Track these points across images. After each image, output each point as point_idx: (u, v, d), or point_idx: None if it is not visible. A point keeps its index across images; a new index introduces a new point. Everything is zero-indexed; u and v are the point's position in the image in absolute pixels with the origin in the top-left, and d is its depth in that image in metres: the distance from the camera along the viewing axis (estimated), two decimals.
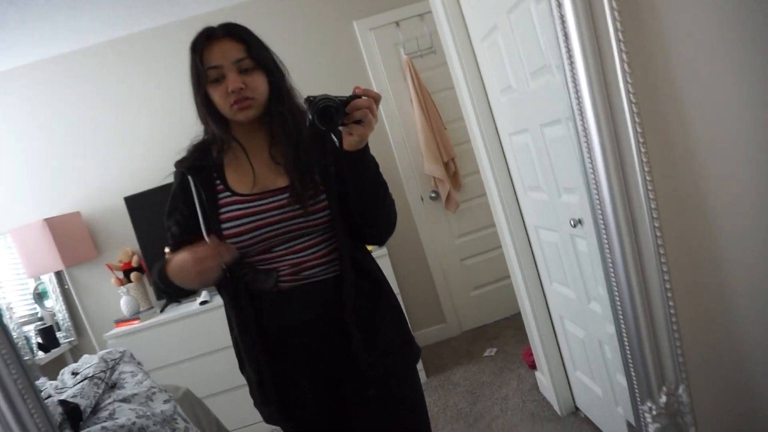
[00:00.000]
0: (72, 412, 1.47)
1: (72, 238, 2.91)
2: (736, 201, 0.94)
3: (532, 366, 2.54)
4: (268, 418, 1.23)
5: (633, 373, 0.86)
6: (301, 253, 1.14)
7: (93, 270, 3.09)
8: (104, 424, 1.43)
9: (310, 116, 0.99)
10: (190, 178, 1.15)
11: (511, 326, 3.23)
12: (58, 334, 2.97)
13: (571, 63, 0.80)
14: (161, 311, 2.95)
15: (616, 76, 0.80)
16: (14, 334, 2.80)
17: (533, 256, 2.15)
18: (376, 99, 1.03)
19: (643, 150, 0.82)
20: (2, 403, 0.71)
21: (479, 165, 2.28)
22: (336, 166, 1.13)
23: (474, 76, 2.07)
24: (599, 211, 0.89)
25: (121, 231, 3.08)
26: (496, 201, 2.18)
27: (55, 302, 3.06)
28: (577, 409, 2.20)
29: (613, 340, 1.58)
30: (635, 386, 0.87)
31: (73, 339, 3.06)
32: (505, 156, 2.11)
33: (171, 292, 1.12)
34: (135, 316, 2.86)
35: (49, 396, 1.59)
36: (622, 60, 0.78)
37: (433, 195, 3.36)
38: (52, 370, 2.13)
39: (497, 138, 2.10)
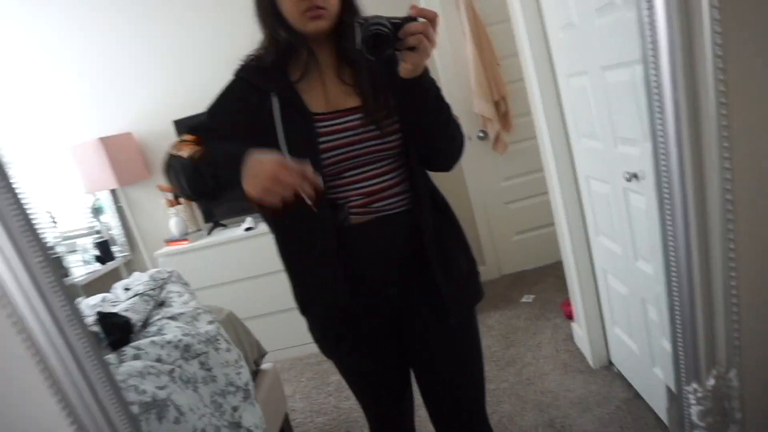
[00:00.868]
0: (124, 325, 1.57)
1: (125, 158, 3.01)
2: None
3: (569, 317, 2.51)
4: (330, 352, 1.25)
5: (681, 351, 0.81)
6: (372, 180, 1.09)
7: (145, 190, 3.21)
8: (153, 338, 1.52)
9: (358, 42, 0.91)
10: (273, 95, 1.05)
11: (552, 274, 3.18)
12: (114, 249, 3.15)
13: None
14: (208, 234, 3.07)
15: (701, 17, 0.69)
16: (65, 247, 3.02)
17: (581, 206, 2.07)
18: (432, 21, 0.92)
19: (723, 106, 0.71)
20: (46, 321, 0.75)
21: (531, 107, 2.16)
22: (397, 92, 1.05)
23: (532, 8, 1.91)
24: (664, 167, 0.79)
25: None
26: (547, 146, 2.08)
27: (111, 218, 3.22)
28: (610, 363, 2.18)
29: (658, 301, 1.53)
30: (681, 367, 0.82)
31: (127, 254, 3.24)
32: (560, 99, 1.98)
33: (208, 186, 0.99)
34: (184, 237, 2.99)
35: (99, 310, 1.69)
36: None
37: (481, 135, 3.24)
38: (108, 282, 2.28)
39: (553, 79, 1.97)
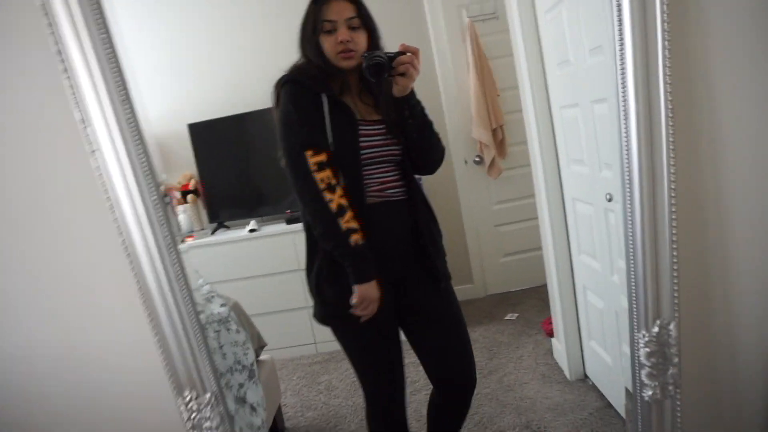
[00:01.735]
0: None
1: None
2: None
3: (550, 334, 2.67)
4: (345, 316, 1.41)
5: (634, 306, 1.08)
6: (385, 174, 1.41)
7: None
8: None
9: (363, 68, 1.29)
10: (324, 96, 1.32)
11: (535, 296, 3.35)
12: None
13: (622, 45, 0.94)
14: (212, 233, 3.20)
15: (657, 67, 0.96)
16: None
17: (566, 226, 2.26)
18: (416, 53, 1.30)
19: (671, 131, 0.98)
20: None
21: (527, 133, 2.36)
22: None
23: (534, 46, 2.13)
24: (625, 163, 1.13)
25: (182, 154, 3.29)
26: (539, 170, 2.28)
27: None
28: (586, 377, 2.34)
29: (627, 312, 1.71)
30: (634, 318, 1.07)
31: None
32: (553, 128, 2.19)
33: (333, 254, 1.33)
34: (189, 233, 3.13)
35: None
36: (664, 47, 0.90)
37: (477, 159, 3.45)
38: None
39: (548, 109, 2.18)
